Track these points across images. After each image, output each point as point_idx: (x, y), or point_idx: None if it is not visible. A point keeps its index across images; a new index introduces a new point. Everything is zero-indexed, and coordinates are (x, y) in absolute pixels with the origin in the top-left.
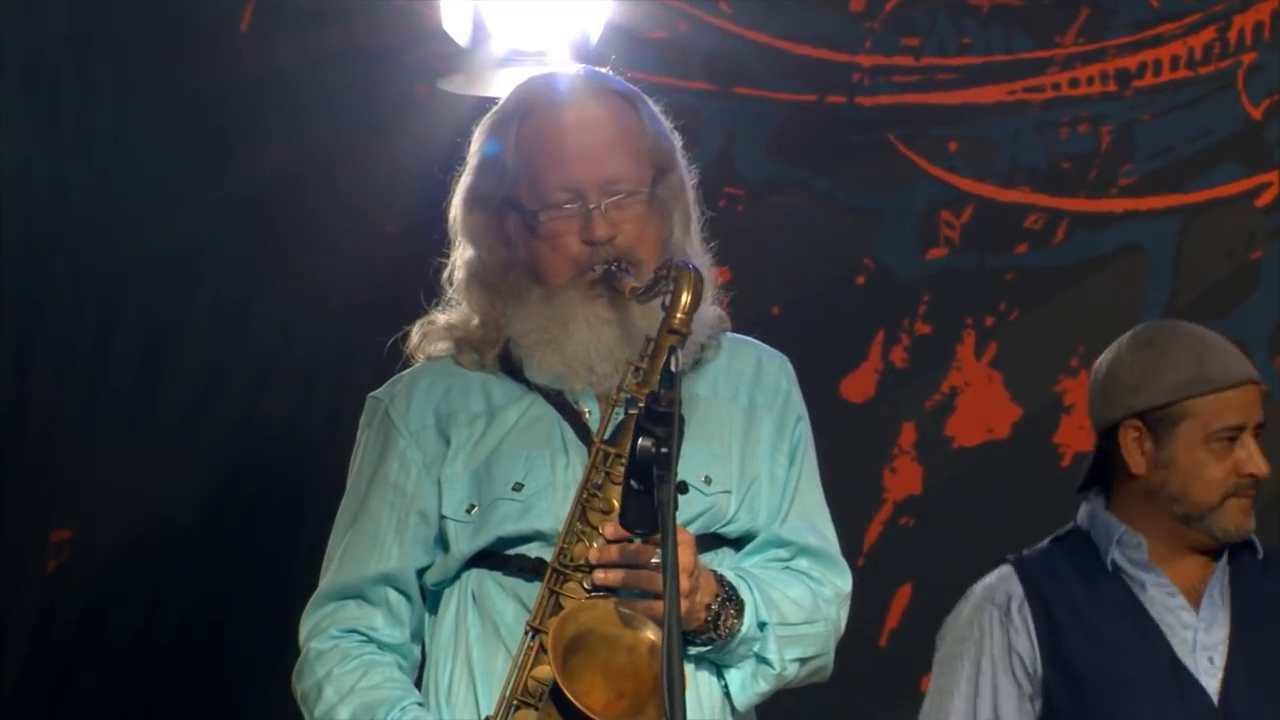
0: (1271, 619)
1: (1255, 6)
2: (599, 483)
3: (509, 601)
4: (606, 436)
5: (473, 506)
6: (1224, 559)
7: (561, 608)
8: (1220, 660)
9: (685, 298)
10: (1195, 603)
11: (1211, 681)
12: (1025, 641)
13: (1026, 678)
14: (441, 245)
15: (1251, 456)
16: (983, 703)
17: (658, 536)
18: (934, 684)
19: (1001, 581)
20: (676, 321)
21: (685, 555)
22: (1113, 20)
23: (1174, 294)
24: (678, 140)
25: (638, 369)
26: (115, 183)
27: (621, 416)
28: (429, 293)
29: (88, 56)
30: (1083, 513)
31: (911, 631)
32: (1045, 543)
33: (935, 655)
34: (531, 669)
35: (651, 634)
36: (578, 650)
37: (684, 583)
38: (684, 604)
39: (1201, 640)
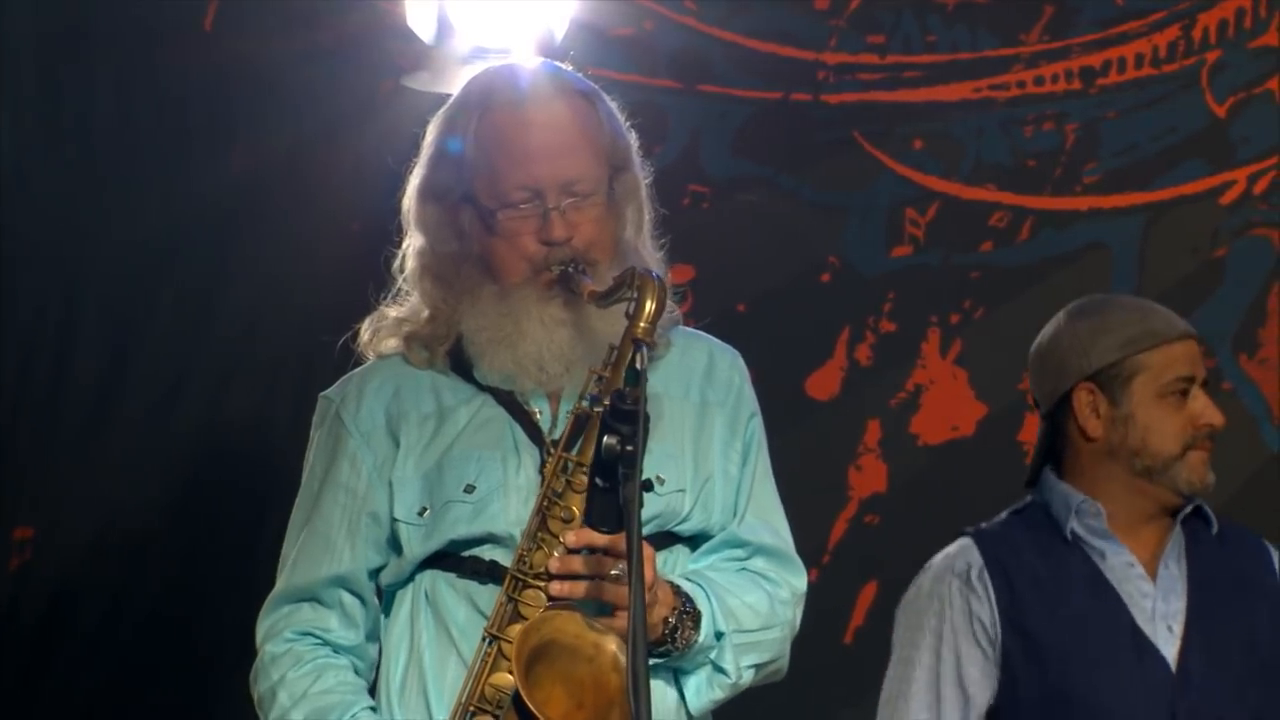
0: (1226, 590)
1: (1219, 5)
2: (559, 490)
3: (461, 603)
4: (556, 436)
5: (425, 509)
6: (1179, 529)
7: (520, 615)
8: (1178, 629)
9: (650, 306)
10: (1152, 572)
11: (1170, 650)
12: (986, 609)
13: (989, 643)
14: (399, 242)
15: (1207, 407)
16: (946, 669)
17: (621, 534)
18: (895, 655)
19: (961, 552)
20: (640, 331)
21: (646, 570)
22: (1077, 18)
23: (1138, 291)
24: (633, 139)
25: (600, 377)
26: (79, 181)
27: (571, 416)
28: (384, 292)
29: (52, 54)
30: (1041, 482)
31: (877, 629)
32: (1003, 515)
33: (895, 629)
34: (489, 676)
35: (613, 645)
36: (539, 660)
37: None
38: None
39: (1160, 609)
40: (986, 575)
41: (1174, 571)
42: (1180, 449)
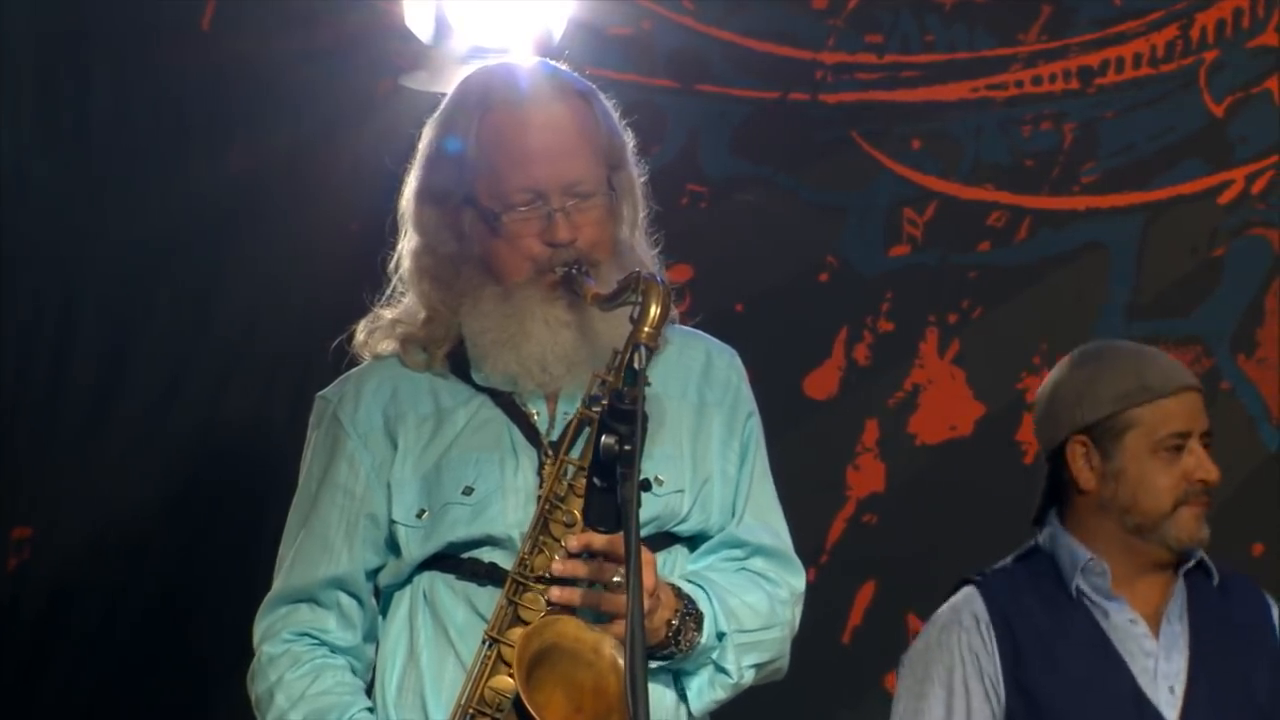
0: (1228, 643)
1: (1217, 4)
2: (561, 494)
3: (460, 605)
4: (554, 438)
5: (423, 511)
6: (1181, 582)
7: (520, 618)
8: (1180, 690)
9: (655, 311)
10: (1155, 628)
11: (1171, 712)
12: (992, 664)
13: (996, 698)
14: (396, 243)
15: (1201, 462)
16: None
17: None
18: (903, 706)
19: (966, 602)
20: (644, 336)
21: (648, 576)
22: (1075, 18)
23: (1136, 292)
24: (629, 136)
25: (604, 381)
26: (77, 181)
27: (570, 417)
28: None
29: (50, 54)
30: (1044, 534)
31: (874, 629)
32: (1008, 561)
33: (900, 681)
34: (488, 679)
35: (614, 650)
36: (540, 664)
37: (645, 603)
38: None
39: (1162, 669)
40: (992, 631)
41: (1176, 627)
42: (1171, 505)
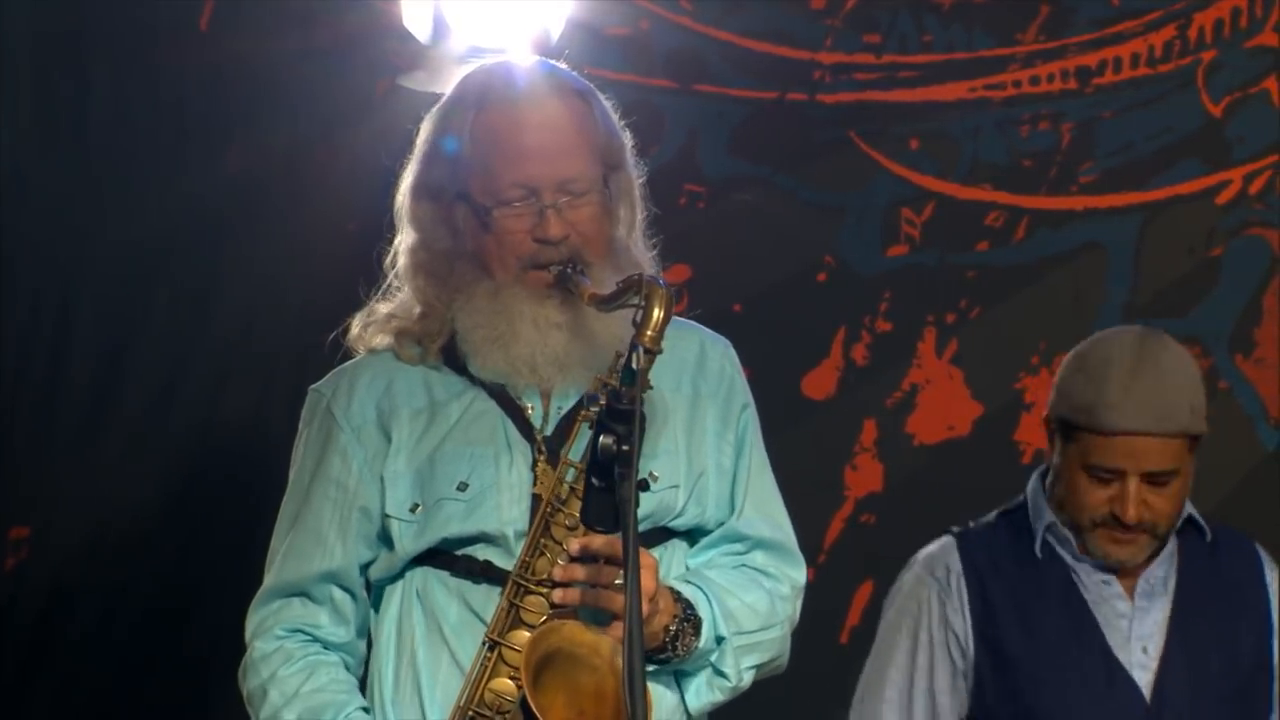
0: (1213, 602)
1: (1215, 4)
2: (563, 497)
3: (454, 602)
4: (549, 433)
5: (417, 505)
6: (1173, 542)
7: (521, 620)
8: (1155, 650)
9: (658, 315)
10: (1130, 589)
11: (1145, 674)
12: (960, 620)
13: (960, 655)
14: (393, 239)
15: (1123, 497)
16: (919, 676)
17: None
18: (875, 648)
19: (942, 553)
20: (648, 340)
21: (648, 580)
22: (1073, 18)
23: (1134, 292)
24: (628, 137)
25: (606, 384)
26: (75, 180)
27: (564, 412)
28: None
29: (48, 54)
30: (1030, 486)
31: (873, 629)
32: (992, 515)
33: (881, 618)
34: (489, 681)
35: (614, 653)
36: (545, 668)
37: (644, 608)
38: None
39: (1136, 630)
40: (964, 584)
41: (1157, 589)
42: (1088, 523)
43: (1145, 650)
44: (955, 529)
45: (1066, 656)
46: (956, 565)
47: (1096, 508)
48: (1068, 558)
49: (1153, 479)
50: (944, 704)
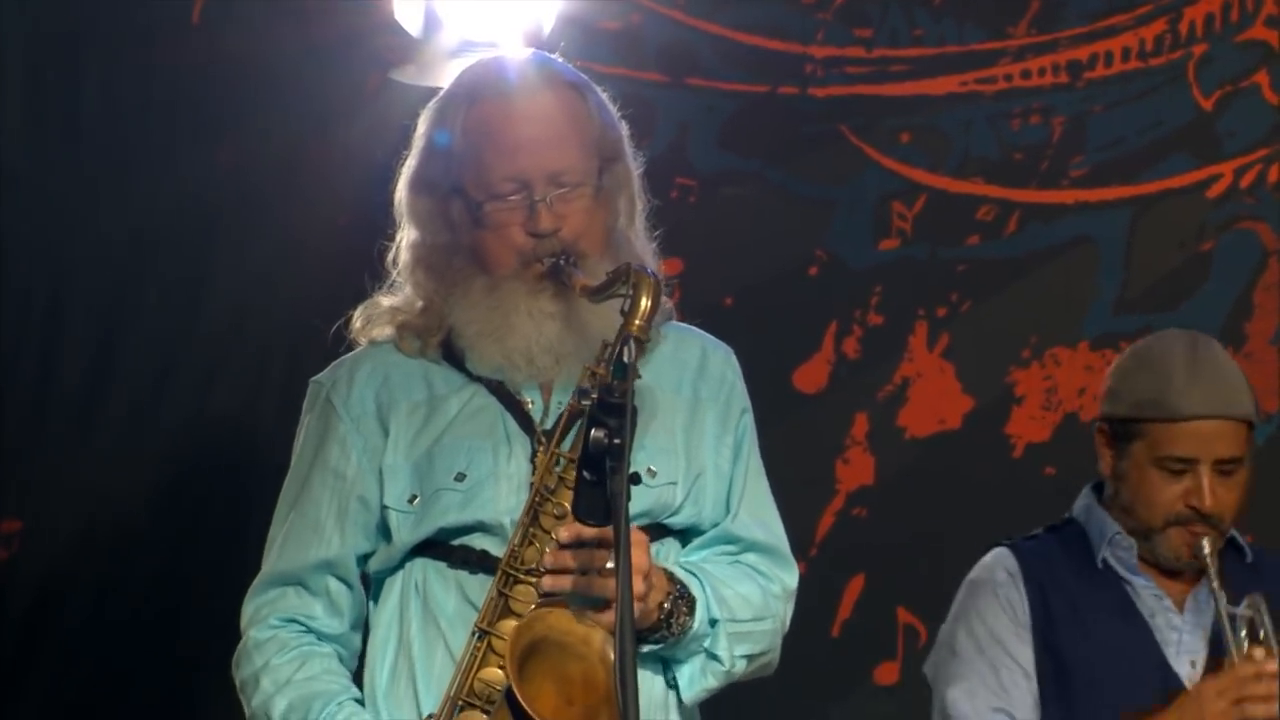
0: None
1: None
2: (552, 486)
3: (451, 594)
4: (548, 427)
5: (414, 497)
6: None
7: (511, 610)
8: (1200, 665)
9: (645, 303)
10: (1180, 604)
11: (1191, 686)
12: (1025, 615)
13: (1029, 645)
14: (391, 234)
15: (1199, 488)
16: (1004, 675)
17: (609, 527)
18: (946, 654)
19: (999, 560)
20: (635, 328)
21: (640, 556)
22: (1064, 11)
23: (1125, 286)
24: (625, 130)
25: (594, 374)
26: (67, 174)
27: (564, 407)
28: (378, 283)
29: (39, 49)
30: (1079, 504)
31: (863, 622)
32: (1039, 531)
33: (940, 642)
34: (478, 670)
35: (604, 643)
36: (531, 656)
37: (639, 585)
38: (638, 606)
39: (1185, 642)
40: (1025, 586)
41: (1203, 606)
42: (1162, 523)
43: (1193, 664)
44: (1005, 541)
45: (1124, 664)
46: (1016, 569)
47: (1171, 504)
48: (1123, 571)
49: (1222, 468)
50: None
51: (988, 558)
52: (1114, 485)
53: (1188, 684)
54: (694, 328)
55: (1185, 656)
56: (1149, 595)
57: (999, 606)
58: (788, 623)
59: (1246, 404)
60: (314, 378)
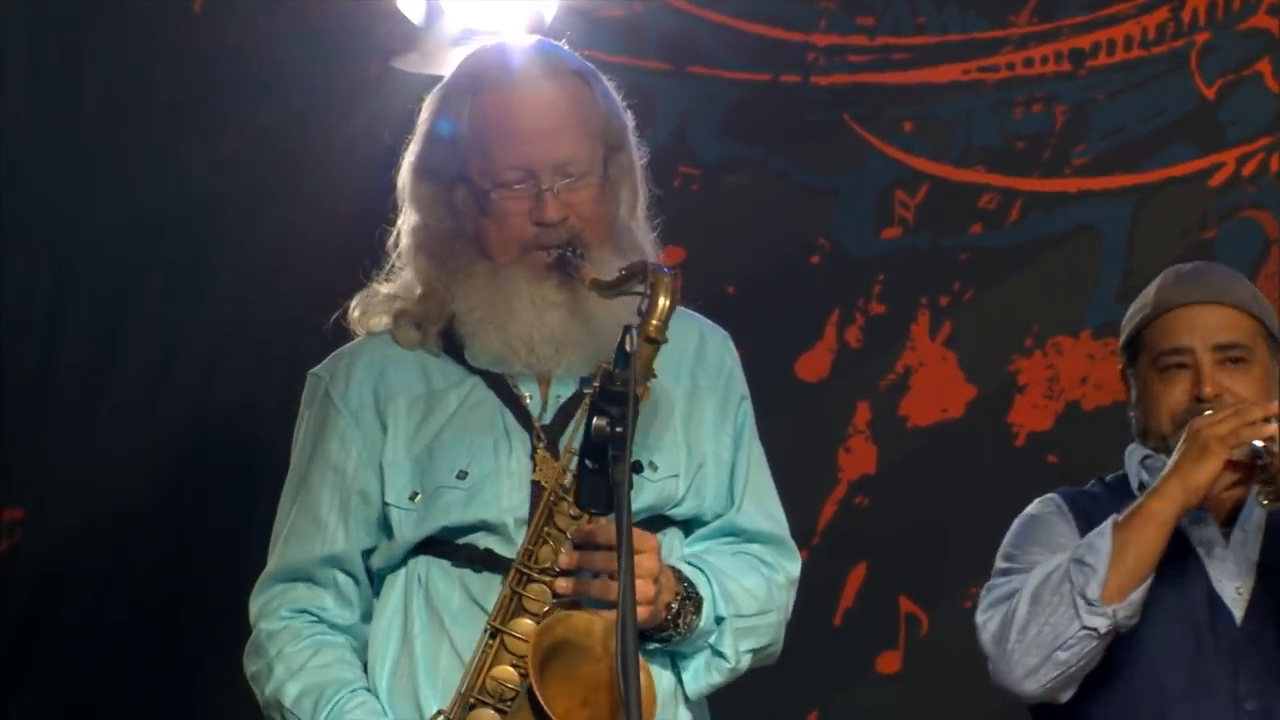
0: None
1: None
2: (567, 486)
3: (455, 591)
4: (546, 422)
5: (416, 494)
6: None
7: (524, 609)
8: (1246, 592)
9: (664, 304)
10: (1228, 535)
11: (1238, 610)
12: (1076, 540)
13: None
14: (393, 220)
15: (1199, 376)
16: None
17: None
18: (998, 580)
19: (1046, 500)
20: (652, 329)
21: (651, 561)
22: (1066, 0)
23: (1127, 274)
24: (629, 119)
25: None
26: (69, 163)
27: (563, 400)
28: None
29: (41, 37)
30: (1127, 451)
31: (866, 611)
32: (1089, 483)
33: (997, 569)
34: (490, 668)
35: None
36: (551, 657)
37: (649, 589)
38: (645, 610)
39: (1230, 569)
40: (1073, 518)
41: (1249, 532)
42: (1170, 426)
43: (1239, 591)
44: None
45: (1172, 589)
46: (1064, 503)
47: (1176, 402)
48: None
49: (1225, 354)
50: None
51: (1034, 502)
52: (1135, 413)
53: (1234, 609)
54: (691, 312)
55: (1229, 583)
56: (1190, 521)
57: (1050, 529)
58: (790, 611)
59: (1243, 294)
60: (312, 370)
